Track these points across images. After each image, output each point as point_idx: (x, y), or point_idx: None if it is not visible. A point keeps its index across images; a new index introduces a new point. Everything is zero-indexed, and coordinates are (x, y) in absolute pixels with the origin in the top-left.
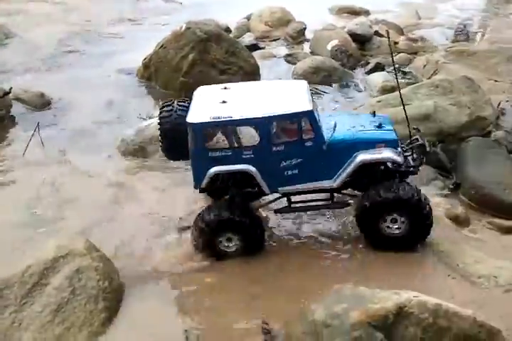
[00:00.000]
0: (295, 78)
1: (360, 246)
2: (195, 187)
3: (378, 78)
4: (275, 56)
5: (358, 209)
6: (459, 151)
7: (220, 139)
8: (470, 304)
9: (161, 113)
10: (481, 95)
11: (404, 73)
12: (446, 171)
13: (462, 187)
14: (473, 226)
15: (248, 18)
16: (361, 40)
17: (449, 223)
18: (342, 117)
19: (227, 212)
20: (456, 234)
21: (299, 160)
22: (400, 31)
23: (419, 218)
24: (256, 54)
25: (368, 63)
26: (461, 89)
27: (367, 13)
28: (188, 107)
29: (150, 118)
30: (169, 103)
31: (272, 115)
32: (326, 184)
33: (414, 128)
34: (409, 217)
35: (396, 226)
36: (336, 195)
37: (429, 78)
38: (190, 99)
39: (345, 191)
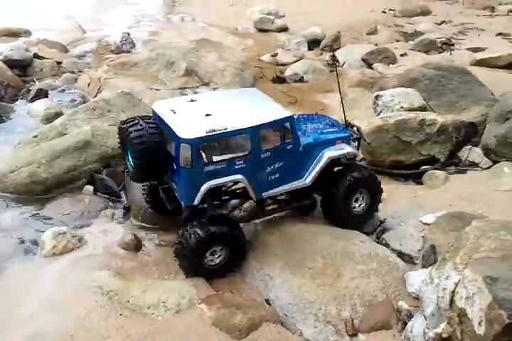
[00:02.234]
0: None
1: None
2: (187, 204)
3: (40, 106)
4: None
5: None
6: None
7: (213, 153)
8: (146, 338)
9: (128, 132)
10: (142, 108)
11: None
12: (116, 196)
13: (132, 209)
14: (147, 248)
15: None
16: (20, 65)
17: (123, 252)
18: (304, 122)
19: (216, 225)
20: (129, 263)
21: (281, 163)
22: (64, 49)
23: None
24: None
25: (30, 90)
26: (121, 106)
27: (27, 33)
28: (157, 124)
29: None
30: (135, 121)
31: (263, 123)
32: (299, 183)
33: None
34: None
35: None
36: None
37: (95, 97)
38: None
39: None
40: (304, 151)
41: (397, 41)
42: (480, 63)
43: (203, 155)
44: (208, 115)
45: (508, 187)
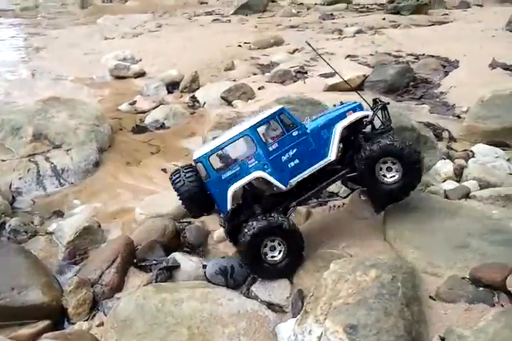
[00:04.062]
0: None
1: None
2: (224, 212)
3: None
4: None
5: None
6: None
7: (225, 162)
8: None
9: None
10: None
11: None
12: None
13: None
14: None
15: None
16: None
17: None
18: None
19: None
20: None
21: (294, 150)
22: None
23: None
24: None
25: None
26: None
27: None
28: (194, 171)
29: None
30: (177, 173)
31: (255, 122)
32: (324, 161)
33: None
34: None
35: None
36: None
37: None
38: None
39: None
40: (315, 133)
41: (254, 74)
42: (332, 88)
43: (215, 166)
44: (213, 138)
45: (364, 216)
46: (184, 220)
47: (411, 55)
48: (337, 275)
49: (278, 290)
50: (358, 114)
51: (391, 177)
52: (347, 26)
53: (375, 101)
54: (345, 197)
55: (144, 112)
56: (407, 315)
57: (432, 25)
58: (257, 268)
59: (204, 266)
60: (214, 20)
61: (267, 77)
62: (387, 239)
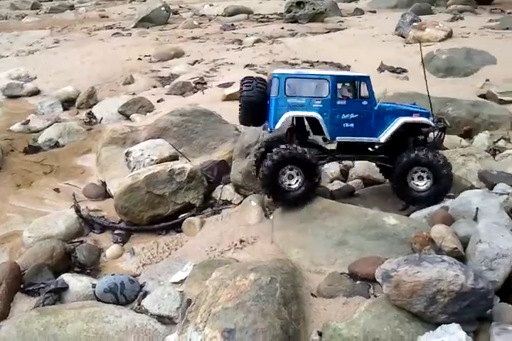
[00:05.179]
0: None
1: None
2: (271, 127)
3: None
4: None
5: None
6: None
7: (297, 90)
8: None
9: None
10: None
11: None
12: None
13: None
14: None
15: None
16: None
17: None
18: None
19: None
20: None
21: (355, 115)
22: None
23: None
24: None
25: None
26: None
27: None
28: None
29: None
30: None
31: (341, 75)
32: (374, 139)
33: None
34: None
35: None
36: None
37: None
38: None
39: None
40: (380, 113)
41: (154, 87)
42: (230, 98)
43: (288, 89)
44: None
45: (255, 221)
46: (75, 240)
47: (306, 62)
48: (218, 281)
49: (168, 302)
50: (423, 120)
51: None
52: (247, 36)
53: (439, 119)
54: (238, 204)
55: (37, 131)
56: (284, 314)
57: (328, 32)
58: (275, 194)
59: (94, 285)
60: (114, 34)
61: (167, 89)
62: (274, 242)
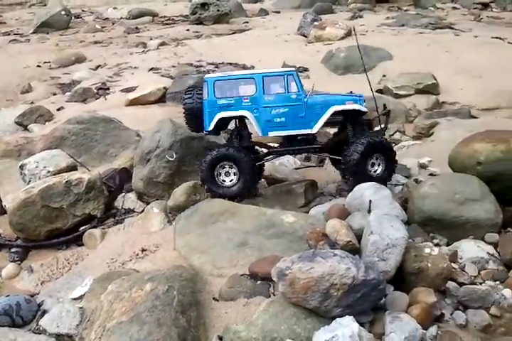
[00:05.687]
0: None
1: None
2: (206, 130)
3: None
4: None
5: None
6: None
7: (226, 92)
8: None
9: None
10: None
11: None
12: None
13: None
14: None
15: None
16: None
17: None
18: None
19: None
20: None
21: (285, 109)
22: None
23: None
24: None
25: None
26: None
27: None
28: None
29: None
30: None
31: (267, 72)
32: (306, 130)
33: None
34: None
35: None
36: None
37: None
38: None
39: None
40: (311, 105)
41: (54, 95)
42: (133, 102)
43: (218, 92)
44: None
45: (157, 228)
46: None
47: (211, 64)
48: (114, 295)
49: (66, 320)
50: (355, 106)
51: None
52: (151, 39)
53: (384, 105)
54: (140, 212)
55: None
56: (182, 322)
57: (233, 33)
58: (211, 189)
59: None
60: (11, 40)
61: (67, 96)
62: (177, 249)
